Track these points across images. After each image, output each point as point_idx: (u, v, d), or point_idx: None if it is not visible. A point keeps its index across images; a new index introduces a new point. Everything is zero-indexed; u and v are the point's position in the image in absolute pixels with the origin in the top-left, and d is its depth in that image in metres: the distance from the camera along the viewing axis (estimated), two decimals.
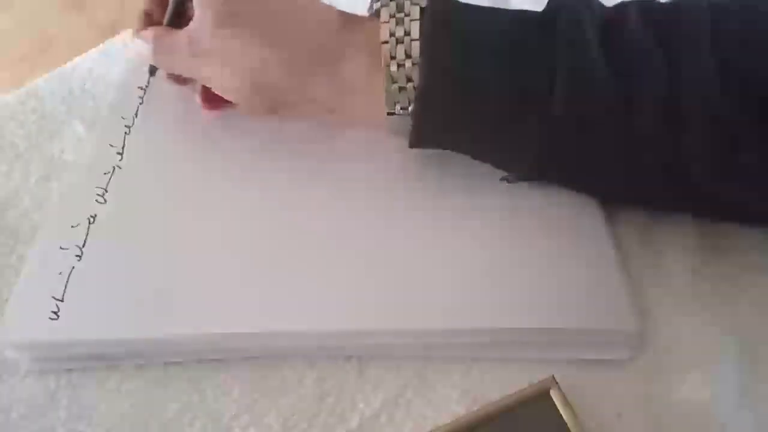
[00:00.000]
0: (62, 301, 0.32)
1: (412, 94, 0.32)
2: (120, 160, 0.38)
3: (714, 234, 0.33)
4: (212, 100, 0.39)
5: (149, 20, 0.40)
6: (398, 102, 0.32)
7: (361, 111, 0.35)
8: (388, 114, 0.33)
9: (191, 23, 0.35)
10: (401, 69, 0.31)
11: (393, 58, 0.31)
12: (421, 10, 0.32)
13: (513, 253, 0.32)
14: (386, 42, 0.32)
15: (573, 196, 0.34)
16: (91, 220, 0.35)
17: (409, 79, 0.32)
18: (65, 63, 0.48)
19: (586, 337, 0.30)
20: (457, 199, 0.35)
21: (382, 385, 0.30)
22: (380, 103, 0.33)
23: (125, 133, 0.40)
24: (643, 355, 0.30)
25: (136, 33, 0.39)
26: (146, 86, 0.42)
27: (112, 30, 0.51)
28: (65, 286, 0.32)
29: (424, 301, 0.31)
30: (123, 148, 0.39)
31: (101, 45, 0.50)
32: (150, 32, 0.38)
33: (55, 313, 0.31)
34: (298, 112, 0.36)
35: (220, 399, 0.30)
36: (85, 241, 0.34)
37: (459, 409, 0.29)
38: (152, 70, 0.41)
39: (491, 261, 0.32)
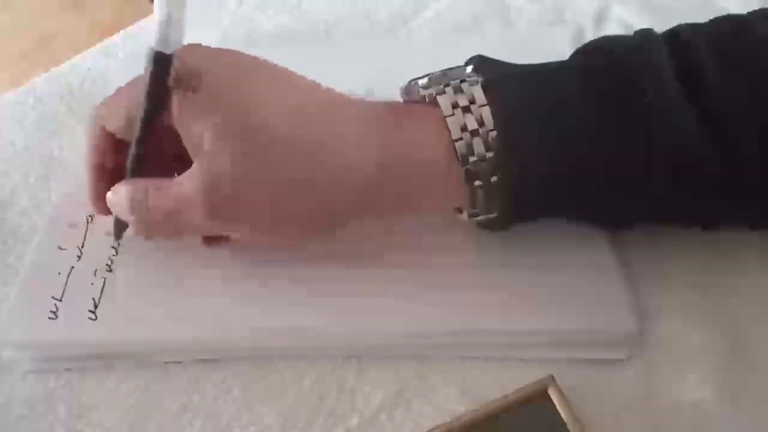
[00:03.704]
0: (61, 301, 0.32)
1: (496, 192, 0.28)
2: None
3: (713, 233, 0.33)
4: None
5: (102, 176, 0.31)
6: (479, 200, 0.29)
7: (430, 211, 0.32)
8: (470, 216, 0.30)
9: (197, 171, 0.27)
10: (482, 164, 0.28)
11: (471, 154, 0.28)
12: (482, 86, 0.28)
13: (512, 254, 0.32)
14: (460, 139, 0.28)
15: None
16: (90, 219, 0.35)
17: (492, 173, 0.28)
18: (64, 62, 0.48)
19: (585, 337, 0.30)
20: None
21: (381, 385, 0.30)
22: (455, 201, 0.30)
23: None
24: (641, 354, 0.30)
25: (95, 202, 0.32)
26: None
27: (111, 29, 0.52)
28: (64, 286, 0.32)
29: (424, 301, 0.31)
30: None
31: (100, 44, 0.50)
32: (123, 194, 0.29)
33: (54, 312, 0.31)
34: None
35: (219, 398, 0.30)
36: (84, 241, 0.34)
37: (458, 408, 0.29)
38: (119, 232, 0.32)
39: (490, 262, 0.32)
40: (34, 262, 0.34)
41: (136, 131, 0.28)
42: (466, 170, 0.28)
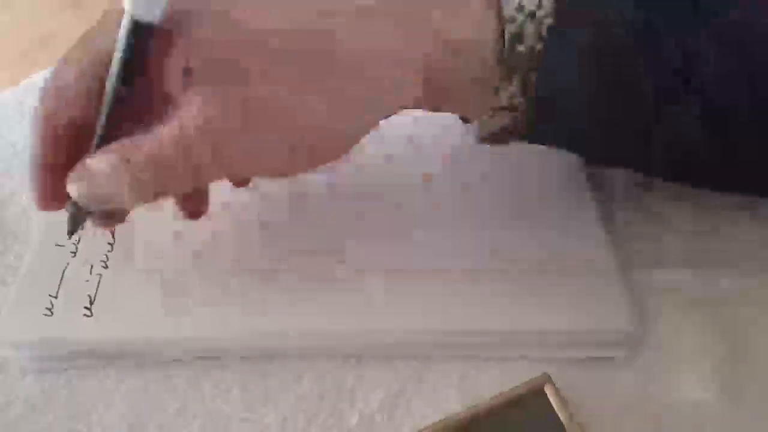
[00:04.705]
0: (56, 297, 0.32)
1: (531, 88, 0.27)
2: None
3: (713, 232, 0.33)
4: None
5: (53, 172, 0.28)
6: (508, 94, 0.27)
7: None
8: (493, 110, 0.28)
9: (194, 105, 0.24)
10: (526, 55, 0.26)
11: (519, 41, 0.26)
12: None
13: (511, 254, 0.32)
14: (513, 20, 0.26)
15: (570, 197, 0.34)
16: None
17: (533, 68, 0.26)
18: None
19: (584, 337, 0.30)
20: (454, 199, 0.35)
21: (381, 384, 0.30)
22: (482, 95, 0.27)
23: None
24: (640, 353, 0.30)
25: (48, 201, 0.28)
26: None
27: None
28: (59, 283, 0.32)
29: (423, 301, 0.31)
30: None
31: None
32: (106, 160, 0.25)
33: (49, 309, 0.31)
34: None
35: (219, 398, 0.30)
36: (80, 238, 0.34)
37: (457, 407, 0.29)
38: (74, 227, 0.29)
39: (489, 262, 0.32)
40: (32, 261, 0.34)
41: (106, 108, 0.26)
42: (508, 59, 0.26)
